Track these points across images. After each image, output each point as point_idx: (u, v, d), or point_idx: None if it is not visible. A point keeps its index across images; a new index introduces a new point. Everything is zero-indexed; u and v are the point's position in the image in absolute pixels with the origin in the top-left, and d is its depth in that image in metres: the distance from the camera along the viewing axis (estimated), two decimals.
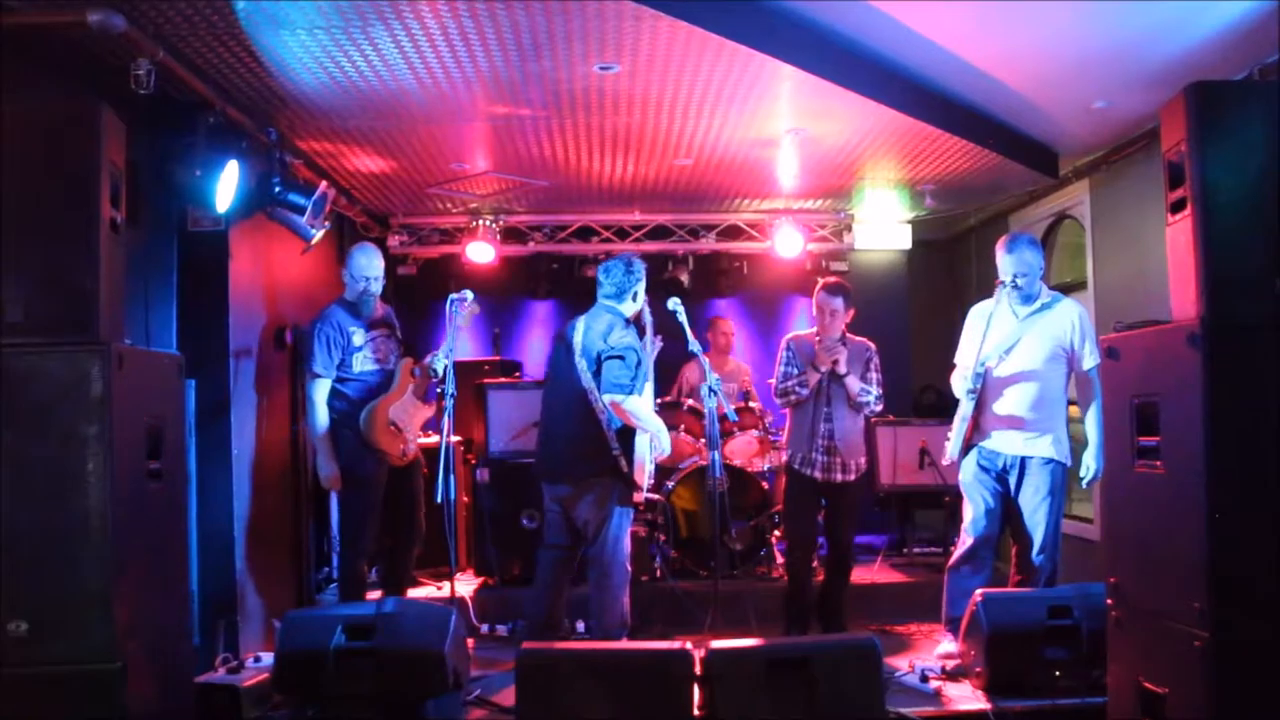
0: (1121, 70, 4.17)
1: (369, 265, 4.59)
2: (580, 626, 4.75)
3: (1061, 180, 5.76)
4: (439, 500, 4.05)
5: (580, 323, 4.20)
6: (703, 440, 5.78)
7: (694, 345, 4.40)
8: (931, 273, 7.62)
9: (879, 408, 4.71)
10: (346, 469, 4.49)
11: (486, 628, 5.06)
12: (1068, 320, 4.12)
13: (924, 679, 3.94)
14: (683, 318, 4.38)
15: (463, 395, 4.98)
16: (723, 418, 4.44)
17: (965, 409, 4.18)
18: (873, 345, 4.78)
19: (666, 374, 6.74)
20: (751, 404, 6.02)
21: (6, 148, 2.73)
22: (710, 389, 4.36)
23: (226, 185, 3.97)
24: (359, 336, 4.55)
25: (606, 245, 6.93)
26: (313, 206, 4.46)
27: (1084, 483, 4.10)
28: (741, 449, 5.93)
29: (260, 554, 4.60)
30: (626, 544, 4.15)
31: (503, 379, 6.03)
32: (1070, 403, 4.26)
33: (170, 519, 3.11)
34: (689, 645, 3.43)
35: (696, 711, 3.35)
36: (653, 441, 4.15)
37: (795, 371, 4.67)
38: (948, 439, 4.31)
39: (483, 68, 3.91)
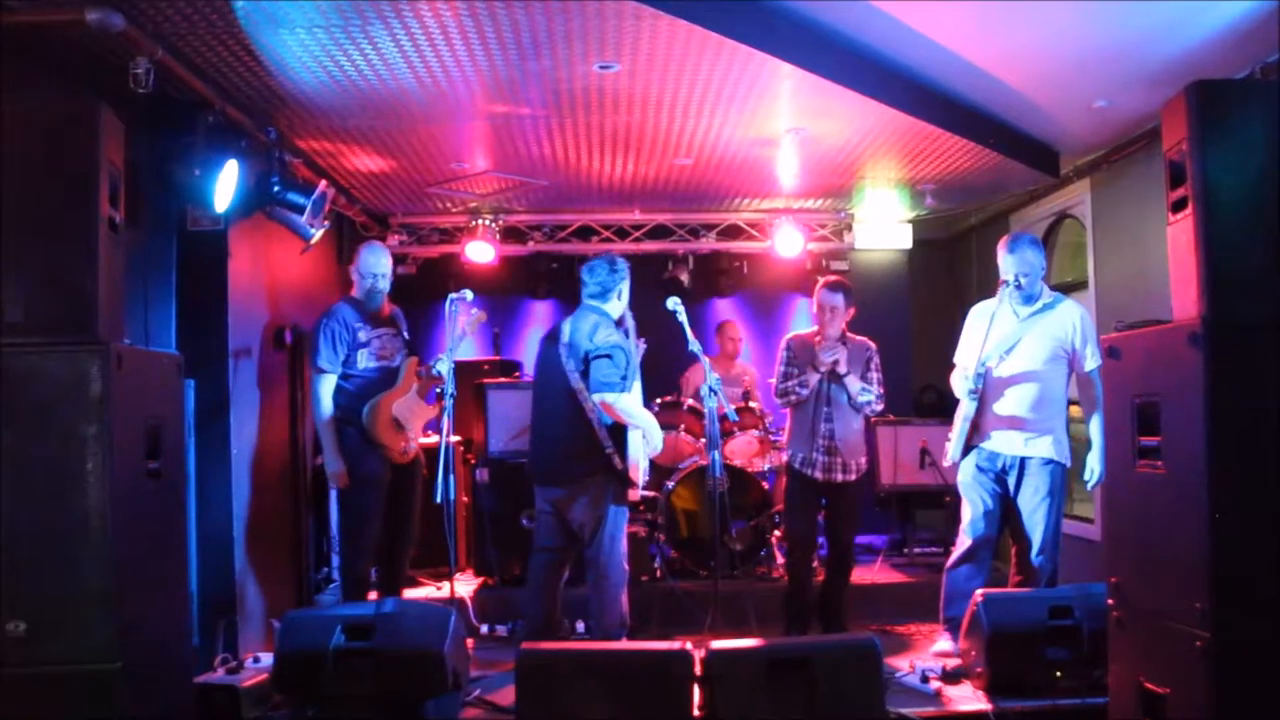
0: (1122, 69, 4.16)
1: (377, 263, 4.62)
2: (580, 627, 4.75)
3: (1062, 179, 5.76)
4: (439, 500, 4.04)
5: (566, 324, 4.19)
6: (703, 440, 5.77)
7: (694, 345, 4.39)
8: (932, 272, 7.62)
9: (879, 407, 4.70)
10: (349, 467, 4.49)
11: (486, 628, 5.05)
12: (1069, 321, 4.11)
13: (924, 679, 3.93)
14: (683, 318, 4.37)
15: (462, 395, 4.98)
16: (723, 418, 4.44)
17: (967, 409, 4.17)
18: (873, 345, 4.77)
19: (667, 374, 6.74)
20: (752, 404, 6.01)
21: (6, 147, 2.72)
22: (710, 389, 4.36)
23: (226, 184, 3.96)
24: (365, 333, 4.56)
25: (606, 245, 6.92)
26: (312, 206, 4.46)
27: (1088, 486, 4.10)
28: (742, 449, 5.92)
29: (260, 554, 4.60)
30: (623, 544, 4.15)
31: (502, 379, 6.02)
32: (1071, 403, 4.26)
33: (170, 519, 3.11)
34: (689, 645, 3.43)
35: (696, 711, 3.35)
36: (645, 438, 4.14)
37: (795, 371, 4.67)
38: (949, 440, 4.30)
39: (482, 67, 3.91)
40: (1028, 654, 3.67)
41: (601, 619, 4.12)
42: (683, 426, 5.89)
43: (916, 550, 6.35)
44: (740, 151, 5.24)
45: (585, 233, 6.94)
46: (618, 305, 4.22)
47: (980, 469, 4.20)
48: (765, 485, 5.72)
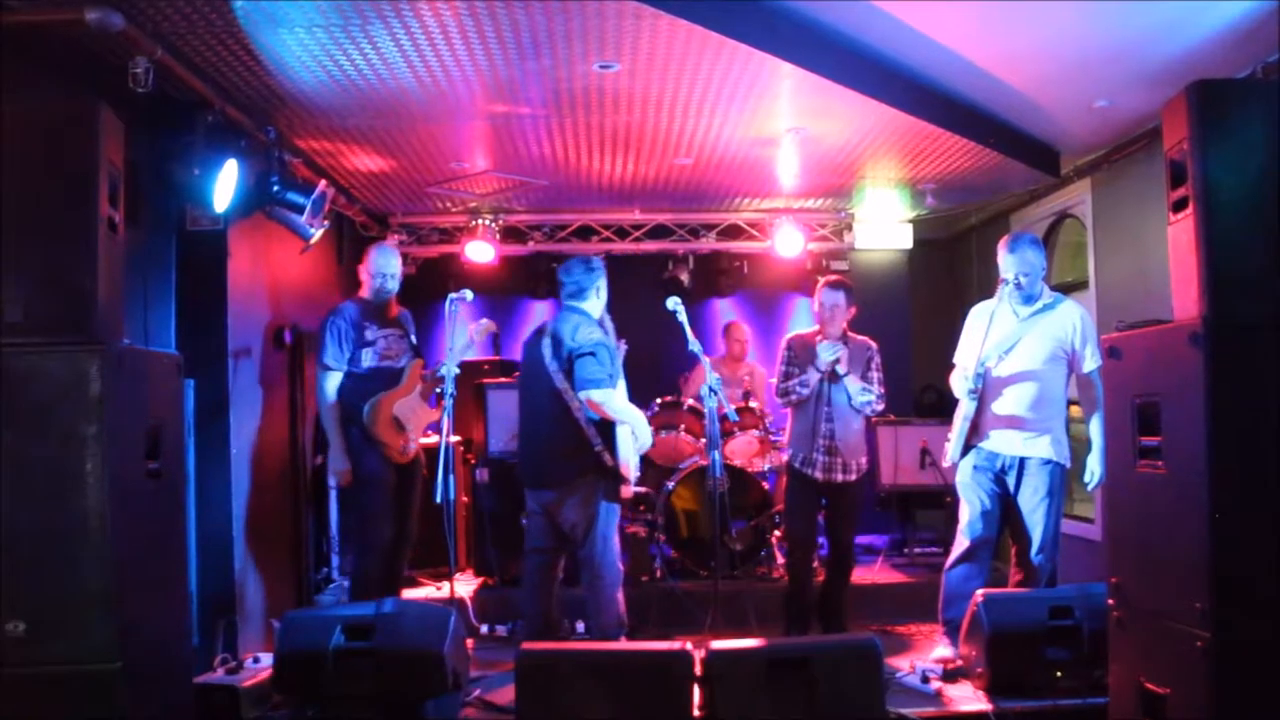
0: (1123, 69, 4.16)
1: (387, 264, 4.66)
2: (580, 627, 4.74)
3: (1063, 179, 5.75)
4: (439, 500, 4.04)
5: (547, 327, 4.18)
6: (703, 440, 5.77)
7: (694, 345, 4.39)
8: (932, 272, 7.62)
9: (880, 407, 4.70)
10: (352, 465, 4.50)
11: (486, 628, 5.05)
12: (1069, 322, 4.11)
13: (925, 679, 3.93)
14: (683, 318, 4.37)
15: (462, 395, 4.97)
16: (723, 418, 4.44)
17: (967, 409, 4.17)
18: (874, 344, 4.77)
19: (667, 374, 6.74)
20: (752, 404, 6.01)
21: (5, 147, 2.71)
22: (710, 389, 4.35)
23: (225, 184, 3.96)
24: (371, 332, 4.57)
25: (606, 245, 6.93)
26: (312, 206, 4.46)
27: (1088, 488, 4.10)
28: (742, 449, 5.92)
29: (260, 554, 4.59)
30: (616, 542, 4.13)
31: (502, 379, 6.02)
32: (1071, 403, 4.25)
33: (169, 519, 3.10)
34: (689, 645, 3.43)
35: (696, 712, 3.35)
36: (633, 434, 4.13)
37: (796, 371, 4.67)
38: (948, 440, 4.30)
39: (482, 66, 3.91)
40: (1028, 654, 3.66)
41: (599, 619, 4.12)
42: (683, 426, 5.89)
43: (916, 550, 6.35)
44: (740, 151, 5.24)
45: (585, 233, 6.94)
46: (597, 304, 4.21)
47: (979, 469, 4.20)
48: (765, 485, 5.71)
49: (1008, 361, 4.13)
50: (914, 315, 7.49)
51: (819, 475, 4.61)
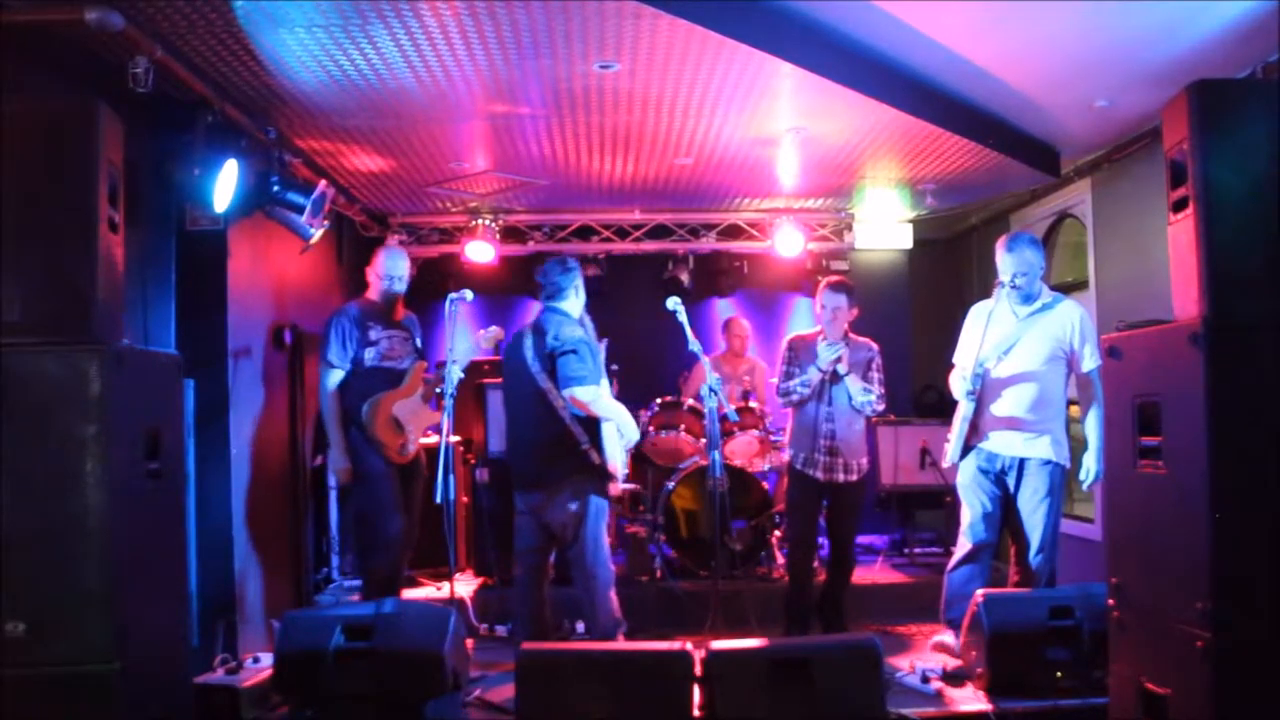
0: (1123, 69, 4.16)
1: (395, 266, 4.71)
2: (580, 627, 4.74)
3: (1063, 179, 5.75)
4: (439, 500, 4.04)
5: (528, 329, 4.18)
6: (703, 440, 5.77)
7: (694, 345, 4.39)
8: (932, 272, 7.62)
9: (880, 407, 4.70)
10: (352, 463, 4.52)
11: (486, 628, 5.05)
12: (1068, 321, 4.10)
13: (925, 680, 3.93)
14: (683, 317, 4.37)
15: (462, 395, 4.98)
16: (723, 418, 4.43)
17: (966, 410, 4.17)
18: (875, 346, 4.77)
19: (667, 373, 6.74)
20: (752, 404, 6.00)
21: (5, 147, 2.71)
22: (710, 389, 4.35)
23: (225, 184, 3.96)
24: (375, 332, 4.60)
25: (606, 245, 6.93)
26: (312, 205, 4.46)
27: (1084, 485, 4.09)
28: (742, 449, 5.92)
29: (259, 554, 4.59)
30: (606, 541, 4.13)
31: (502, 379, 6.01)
32: (1070, 403, 4.25)
33: (169, 519, 3.10)
34: (689, 645, 3.43)
35: (697, 712, 3.35)
36: (619, 430, 4.12)
37: (797, 371, 4.67)
38: (948, 441, 4.30)
39: (482, 66, 3.90)
40: (1028, 654, 3.66)
41: (595, 620, 4.12)
42: (683, 426, 5.88)
43: (916, 550, 6.36)
44: (740, 151, 5.24)
45: (585, 233, 6.94)
46: (576, 303, 4.21)
47: (979, 471, 4.20)
48: (765, 485, 5.71)
49: (1007, 362, 4.13)
50: (914, 315, 7.49)
51: (820, 475, 4.61)
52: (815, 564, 5.03)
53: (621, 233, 6.92)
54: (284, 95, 4.16)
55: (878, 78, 4.24)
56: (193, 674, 3.52)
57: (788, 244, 6.64)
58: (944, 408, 6.10)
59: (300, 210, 4.44)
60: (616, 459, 4.07)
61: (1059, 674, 3.63)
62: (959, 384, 4.27)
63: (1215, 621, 2.60)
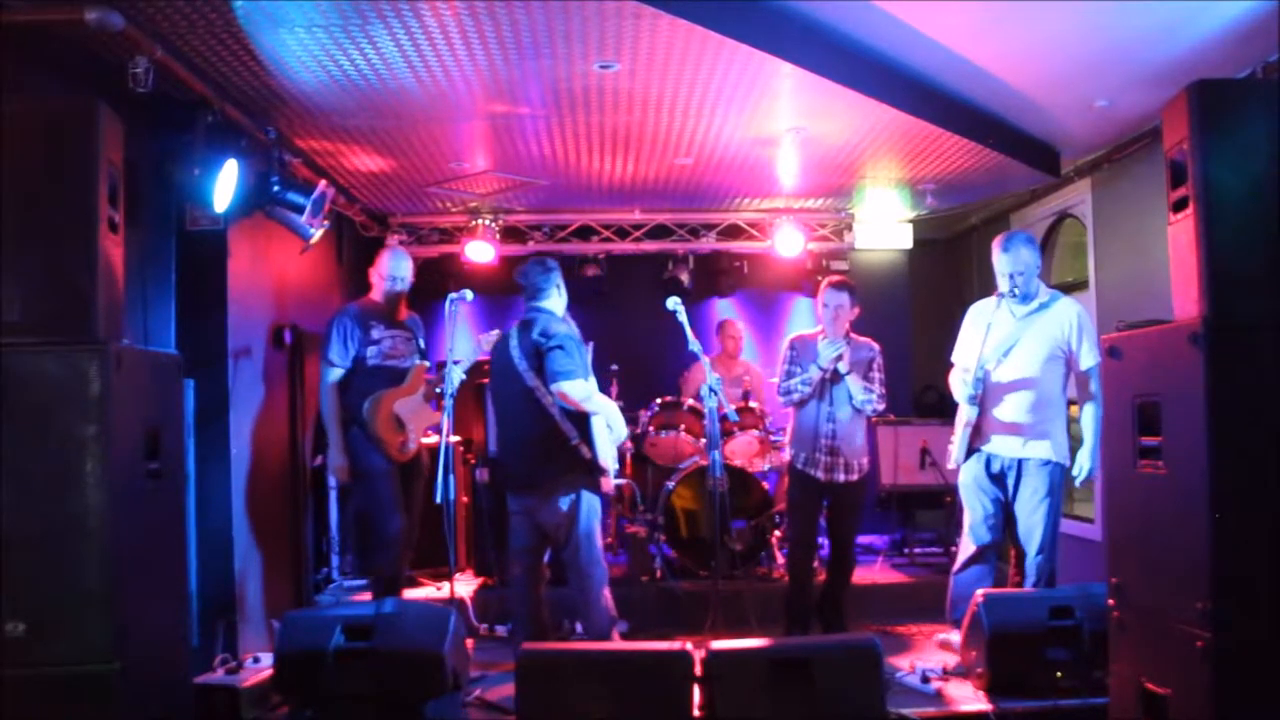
0: (1123, 69, 4.16)
1: (398, 267, 4.74)
2: (579, 627, 4.74)
3: (1063, 179, 5.75)
4: (439, 500, 4.04)
5: (513, 331, 4.19)
6: (703, 440, 5.77)
7: (694, 345, 4.39)
8: (932, 272, 7.62)
9: (881, 407, 4.69)
10: (351, 462, 4.54)
11: (486, 628, 5.05)
12: (1065, 319, 4.10)
13: (925, 679, 3.93)
14: (683, 317, 4.37)
15: (463, 395, 4.99)
16: (723, 418, 4.43)
17: (969, 414, 4.16)
18: (876, 346, 4.77)
19: (667, 374, 6.74)
20: (752, 404, 6.01)
21: (5, 147, 2.71)
22: (710, 389, 4.35)
23: (225, 184, 3.96)
24: (378, 331, 4.62)
25: (606, 245, 6.93)
26: (312, 205, 4.46)
27: (1076, 481, 4.08)
28: (742, 449, 5.92)
29: (259, 554, 4.59)
30: (600, 540, 4.13)
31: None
32: (1071, 403, 4.25)
33: (169, 519, 3.10)
34: (689, 645, 3.43)
35: (696, 712, 3.35)
36: (608, 425, 4.12)
37: (798, 371, 4.67)
38: (951, 444, 4.31)
39: (482, 66, 3.90)
40: (1028, 654, 3.66)
41: (590, 620, 4.12)
42: (683, 426, 5.88)
43: (916, 550, 6.35)
44: (741, 151, 5.24)
45: (585, 233, 6.94)
46: (559, 301, 4.22)
47: (980, 472, 4.20)
48: (765, 485, 5.71)
49: (1006, 365, 4.13)
50: (914, 315, 7.48)
51: (821, 475, 4.61)
52: (815, 564, 5.03)
53: (621, 233, 6.92)
54: (284, 95, 4.17)
55: (878, 78, 4.24)
56: (193, 674, 3.51)
57: (788, 244, 6.64)
58: (944, 408, 6.10)
59: (300, 210, 4.44)
60: (607, 454, 4.07)
61: (1059, 674, 3.63)
62: (959, 385, 4.27)
63: (1215, 621, 2.60)
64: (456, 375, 4.29)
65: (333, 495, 5.73)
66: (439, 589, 5.41)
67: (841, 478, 4.62)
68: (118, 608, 2.63)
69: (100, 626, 2.61)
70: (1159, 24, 3.69)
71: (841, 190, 6.25)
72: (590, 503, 4.08)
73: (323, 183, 4.65)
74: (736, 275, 7.34)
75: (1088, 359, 4.06)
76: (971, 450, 4.21)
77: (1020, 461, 4.12)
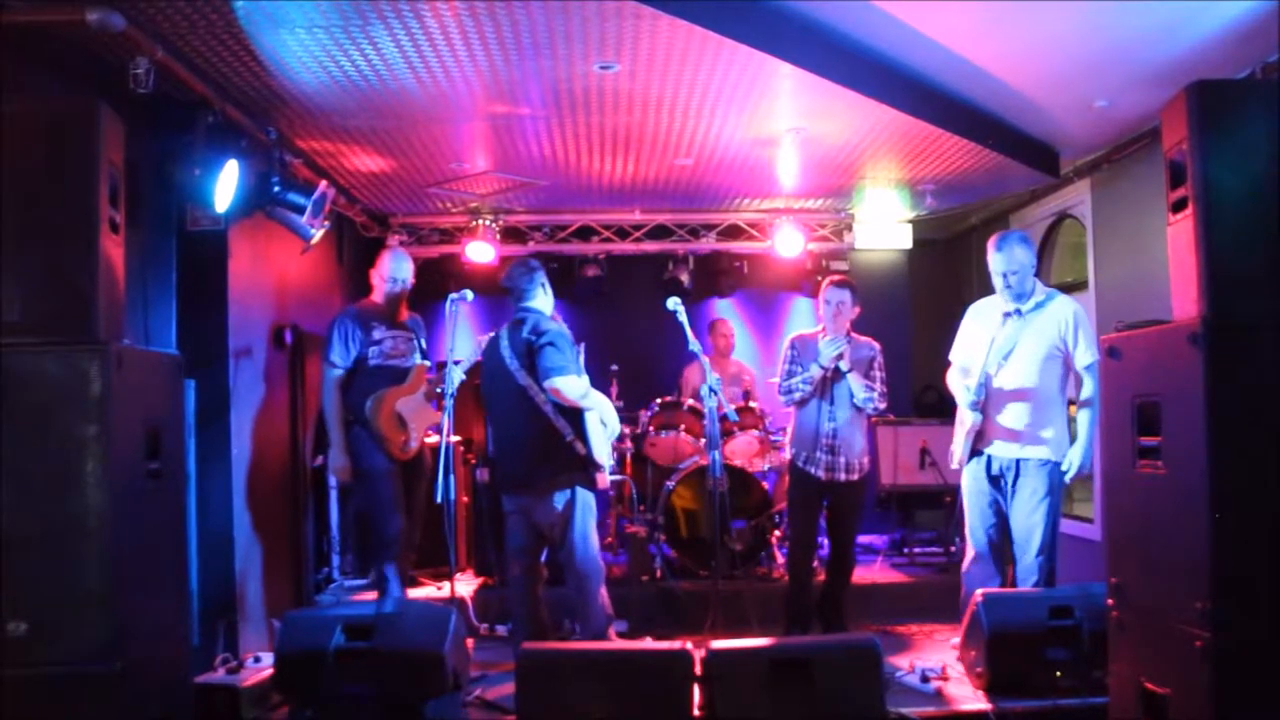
0: (1123, 69, 4.16)
1: (399, 268, 4.77)
2: (579, 627, 4.74)
3: (1062, 179, 5.76)
4: (439, 500, 4.05)
5: (503, 331, 4.20)
6: (703, 440, 5.77)
7: (694, 345, 4.39)
8: (932, 272, 7.62)
9: (882, 405, 4.69)
10: (353, 461, 4.56)
11: (486, 627, 5.05)
12: (1061, 318, 4.10)
13: (924, 679, 3.93)
14: (683, 317, 4.37)
15: (463, 395, 4.98)
16: (723, 418, 4.44)
17: (973, 420, 4.15)
18: (877, 345, 4.77)
19: (667, 374, 6.74)
20: (752, 404, 6.01)
21: (6, 147, 2.71)
22: (710, 389, 4.35)
23: (226, 185, 3.96)
24: (379, 332, 4.65)
25: (606, 245, 6.94)
26: (312, 206, 4.46)
27: (1066, 478, 4.07)
28: (742, 449, 5.92)
29: (260, 554, 4.60)
30: (595, 538, 4.14)
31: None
32: (1071, 402, 4.25)
33: (169, 519, 3.10)
34: (689, 645, 3.43)
35: (696, 711, 3.35)
36: (602, 421, 4.12)
37: (799, 370, 4.67)
38: (952, 448, 4.32)
39: (483, 67, 3.91)
40: (1028, 654, 3.66)
41: (587, 618, 4.12)
42: (683, 426, 5.89)
43: (916, 550, 6.35)
44: (740, 152, 5.24)
45: (585, 233, 6.94)
46: (546, 300, 4.24)
47: (980, 475, 4.20)
48: (765, 485, 5.71)
49: (1007, 368, 4.13)
50: (914, 315, 7.49)
51: (821, 474, 4.61)
52: (815, 564, 5.03)
53: (622, 233, 6.93)
54: (285, 96, 4.17)
55: (877, 78, 4.25)
56: (193, 673, 3.52)
57: (788, 244, 6.65)
58: (944, 408, 6.10)
59: (301, 211, 4.45)
60: (602, 450, 4.08)
61: (1059, 674, 3.63)
62: (958, 384, 4.27)
63: (1215, 621, 2.60)
64: (457, 375, 4.30)
65: (333, 495, 5.74)
66: (439, 589, 5.41)
67: (842, 477, 4.62)
68: (118, 607, 2.64)
69: (101, 626, 2.62)
70: (1158, 24, 3.69)
71: (841, 190, 6.25)
72: (585, 500, 4.08)
73: (323, 183, 4.66)
74: (736, 275, 7.34)
75: (1084, 357, 4.05)
76: (974, 453, 4.21)
77: (1018, 462, 4.12)
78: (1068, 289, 5.80)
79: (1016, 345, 4.12)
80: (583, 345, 4.48)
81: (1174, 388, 2.80)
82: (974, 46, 4.03)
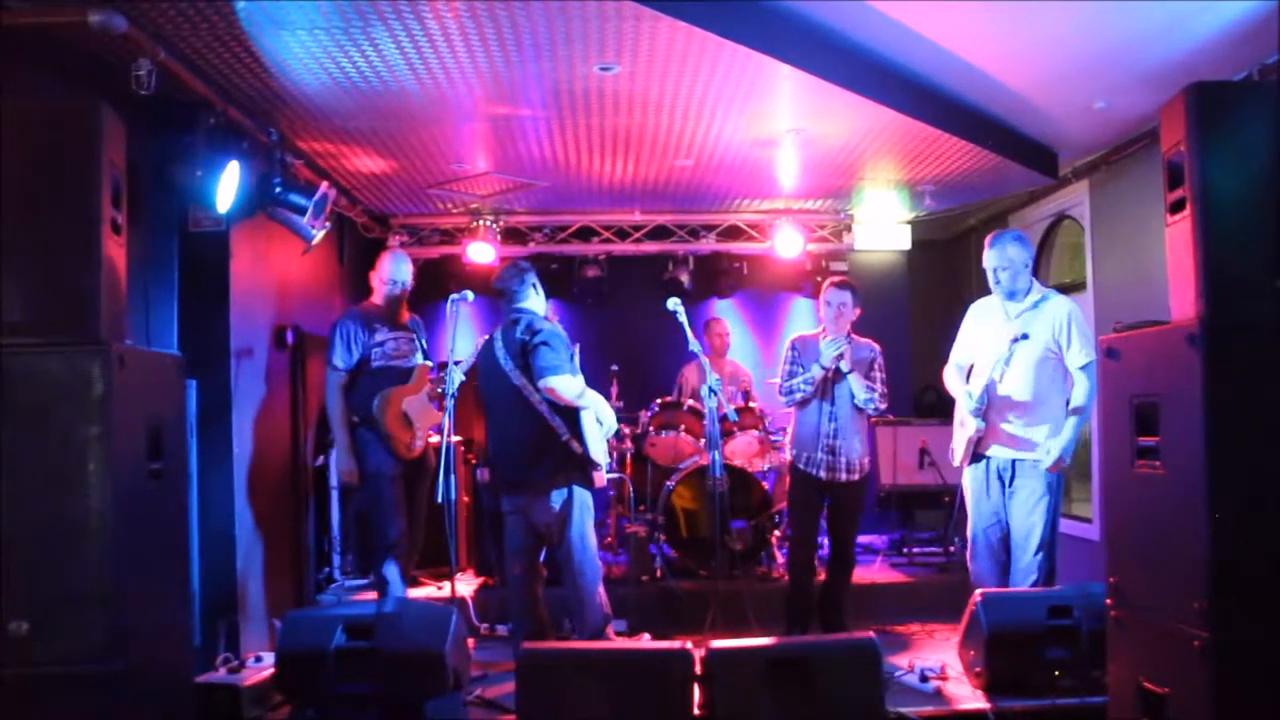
0: (1121, 70, 4.17)
1: (398, 270, 4.80)
2: (576, 626, 4.74)
3: (1061, 180, 5.76)
4: (439, 500, 4.06)
5: (497, 332, 4.21)
6: (703, 440, 5.78)
7: (694, 345, 4.41)
8: (931, 273, 7.62)
9: (883, 406, 4.70)
10: (359, 463, 4.58)
11: (487, 627, 5.06)
12: (1057, 317, 4.10)
13: (924, 679, 3.94)
14: (683, 318, 4.38)
15: (463, 395, 4.98)
16: (723, 418, 4.44)
17: (976, 426, 4.15)
18: (877, 346, 4.78)
19: (667, 374, 6.75)
20: (752, 404, 6.02)
21: (7, 147, 2.72)
22: (710, 389, 4.36)
23: (227, 185, 3.97)
24: (381, 333, 4.66)
25: (607, 246, 6.94)
26: (313, 207, 4.47)
27: (1041, 466, 4.05)
28: (742, 449, 5.92)
29: (261, 554, 4.61)
30: (592, 537, 4.15)
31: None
32: (1070, 402, 4.25)
33: (171, 519, 3.11)
34: (689, 645, 3.43)
35: (696, 711, 3.36)
36: (598, 419, 4.13)
37: (800, 370, 4.68)
38: (953, 449, 4.33)
39: (483, 68, 3.92)
40: (1027, 654, 3.67)
41: (584, 618, 4.13)
42: (683, 426, 5.89)
43: (916, 550, 6.36)
44: (740, 153, 5.25)
45: (586, 234, 6.95)
46: (538, 301, 4.26)
47: (981, 477, 4.21)
48: (765, 485, 5.72)
49: (1008, 372, 4.13)
50: (913, 316, 7.49)
51: (822, 474, 4.62)
52: (815, 563, 5.04)
53: (622, 234, 6.94)
54: (286, 97, 4.18)
55: (876, 79, 4.26)
56: (194, 673, 3.52)
57: (787, 245, 6.66)
58: (943, 408, 6.10)
59: (302, 212, 4.46)
60: (598, 448, 4.08)
61: (1058, 673, 3.64)
62: (955, 383, 4.28)
63: (1213, 621, 2.60)
64: (457, 375, 4.31)
65: (334, 495, 5.75)
66: (440, 588, 5.42)
67: (843, 477, 4.63)
68: (119, 607, 2.64)
69: (102, 626, 2.62)
70: (1157, 25, 3.70)
71: (841, 191, 6.26)
72: (583, 499, 4.09)
73: (324, 184, 4.67)
74: (736, 276, 7.35)
75: (1077, 358, 4.05)
76: (976, 456, 4.22)
77: (1015, 463, 4.12)
78: (1066, 290, 5.81)
79: (1015, 350, 4.12)
80: (578, 346, 4.48)
81: (1172, 388, 2.80)
82: (973, 47, 4.04)
